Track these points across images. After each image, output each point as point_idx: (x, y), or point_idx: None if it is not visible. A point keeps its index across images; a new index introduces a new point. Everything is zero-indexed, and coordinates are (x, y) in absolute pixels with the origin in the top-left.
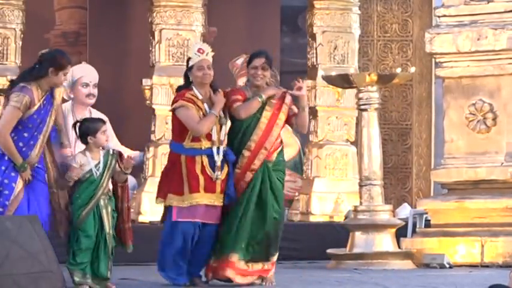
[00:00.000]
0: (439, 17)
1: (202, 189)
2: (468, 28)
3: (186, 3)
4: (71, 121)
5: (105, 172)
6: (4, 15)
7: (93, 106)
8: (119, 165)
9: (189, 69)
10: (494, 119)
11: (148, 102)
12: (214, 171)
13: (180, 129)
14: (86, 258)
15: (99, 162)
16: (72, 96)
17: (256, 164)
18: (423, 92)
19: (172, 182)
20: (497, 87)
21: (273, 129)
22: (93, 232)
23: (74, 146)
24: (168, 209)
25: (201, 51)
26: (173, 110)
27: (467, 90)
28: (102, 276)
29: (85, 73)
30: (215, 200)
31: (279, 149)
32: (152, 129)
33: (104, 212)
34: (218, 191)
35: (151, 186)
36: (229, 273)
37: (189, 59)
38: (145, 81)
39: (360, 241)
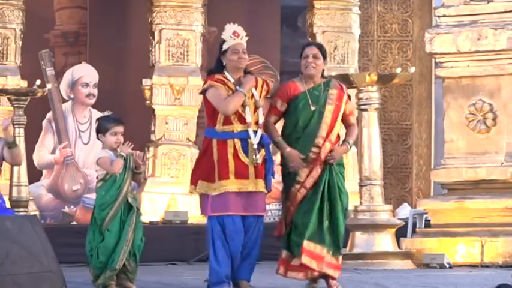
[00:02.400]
0: (439, 17)
1: (232, 175)
2: (468, 28)
3: (186, 3)
4: (71, 121)
5: (127, 170)
6: (4, 15)
7: (93, 106)
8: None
9: (223, 53)
10: (494, 119)
11: (148, 102)
12: (247, 156)
13: (212, 112)
14: (107, 257)
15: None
16: (72, 96)
17: (323, 156)
18: (423, 92)
19: (203, 168)
20: (497, 87)
21: (336, 121)
22: (117, 232)
23: (74, 146)
24: (203, 200)
25: (236, 34)
26: (203, 92)
27: (467, 90)
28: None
29: (85, 73)
30: (248, 185)
31: (338, 142)
32: (152, 129)
33: (126, 213)
34: (253, 177)
35: (152, 186)
36: (304, 259)
37: (223, 42)
38: (145, 81)
39: (360, 241)
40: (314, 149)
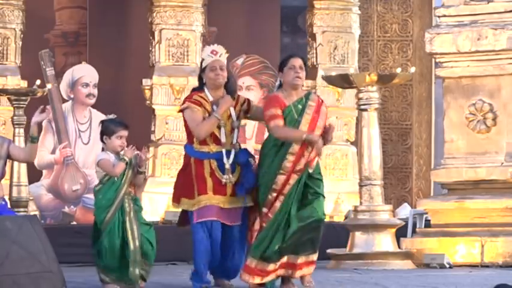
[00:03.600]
0: (439, 17)
1: (210, 191)
2: (468, 28)
3: (186, 3)
4: (71, 121)
5: (126, 172)
6: (4, 15)
7: (93, 106)
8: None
9: (203, 70)
10: (494, 119)
11: (148, 102)
12: (224, 174)
13: (189, 132)
14: (110, 260)
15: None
16: (72, 96)
17: (301, 164)
18: (423, 92)
19: (183, 185)
20: (497, 87)
21: (314, 131)
22: (116, 235)
23: (74, 146)
24: (185, 213)
25: (214, 52)
26: (181, 112)
27: (467, 90)
28: (129, 282)
29: (85, 73)
30: (225, 202)
31: (316, 158)
32: (152, 129)
33: (127, 214)
34: (229, 194)
35: (152, 186)
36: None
37: (202, 60)
38: (145, 81)
39: (360, 241)
40: (289, 157)
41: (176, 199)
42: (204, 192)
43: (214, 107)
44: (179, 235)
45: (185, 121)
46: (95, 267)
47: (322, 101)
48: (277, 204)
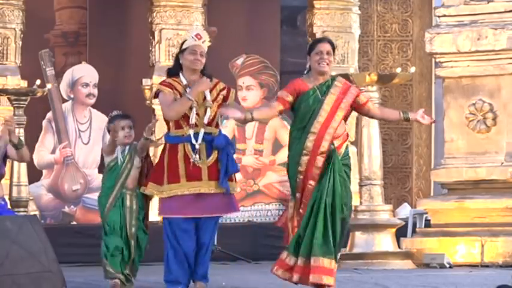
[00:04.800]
0: (439, 17)
1: (183, 178)
2: (468, 28)
3: (186, 3)
4: (71, 121)
5: (127, 161)
6: (4, 15)
7: (93, 106)
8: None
9: (182, 51)
10: (494, 119)
11: (148, 102)
12: (199, 158)
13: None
14: (115, 254)
15: (124, 151)
16: (72, 96)
17: (325, 146)
18: (423, 92)
19: (155, 170)
20: (497, 87)
21: (336, 113)
22: (119, 229)
23: (74, 146)
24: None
25: (199, 36)
26: (155, 97)
27: (467, 90)
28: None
29: (85, 73)
30: (201, 187)
31: (346, 142)
32: (152, 129)
33: (128, 209)
34: (206, 178)
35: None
36: (329, 280)
37: (184, 41)
38: (145, 81)
39: (360, 241)
40: (311, 136)
41: (145, 183)
42: (175, 181)
43: (188, 90)
44: None
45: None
46: (101, 263)
47: (351, 85)
48: (309, 187)
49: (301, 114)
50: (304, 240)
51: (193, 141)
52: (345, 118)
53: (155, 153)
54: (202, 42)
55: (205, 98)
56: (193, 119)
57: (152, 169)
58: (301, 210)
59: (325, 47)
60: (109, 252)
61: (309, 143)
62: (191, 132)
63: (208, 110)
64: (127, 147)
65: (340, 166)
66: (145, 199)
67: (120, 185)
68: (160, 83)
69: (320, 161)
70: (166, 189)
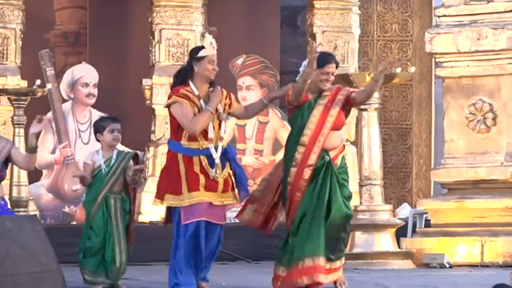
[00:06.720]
0: (439, 17)
1: (202, 187)
2: (468, 28)
3: (186, 3)
4: (71, 121)
5: (113, 170)
6: (4, 15)
7: (93, 106)
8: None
9: (198, 59)
10: (494, 119)
11: (148, 102)
12: (212, 169)
13: (176, 127)
14: (95, 257)
15: (110, 160)
16: (72, 96)
17: (313, 159)
18: (423, 92)
19: (170, 181)
20: (497, 87)
21: (324, 124)
22: (101, 231)
23: (74, 146)
24: (172, 212)
25: (213, 45)
26: (168, 107)
27: (467, 90)
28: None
29: (85, 73)
30: (216, 199)
31: (342, 153)
32: (152, 129)
33: (113, 212)
34: (220, 190)
35: (152, 186)
36: (321, 278)
37: (201, 47)
38: (145, 81)
39: (360, 241)
40: (300, 149)
41: (160, 196)
42: (196, 189)
43: (202, 101)
44: None
45: (171, 117)
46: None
47: (340, 88)
48: (296, 199)
49: (295, 129)
50: (290, 246)
51: (214, 155)
52: (342, 124)
53: (155, 153)
54: (216, 51)
55: (217, 109)
56: (212, 133)
57: (163, 179)
58: (288, 221)
59: (332, 68)
60: (87, 253)
61: (298, 155)
62: (211, 146)
63: (223, 123)
64: (113, 157)
65: (336, 174)
66: (132, 201)
67: (105, 193)
68: (176, 94)
69: (307, 173)
70: (187, 197)
